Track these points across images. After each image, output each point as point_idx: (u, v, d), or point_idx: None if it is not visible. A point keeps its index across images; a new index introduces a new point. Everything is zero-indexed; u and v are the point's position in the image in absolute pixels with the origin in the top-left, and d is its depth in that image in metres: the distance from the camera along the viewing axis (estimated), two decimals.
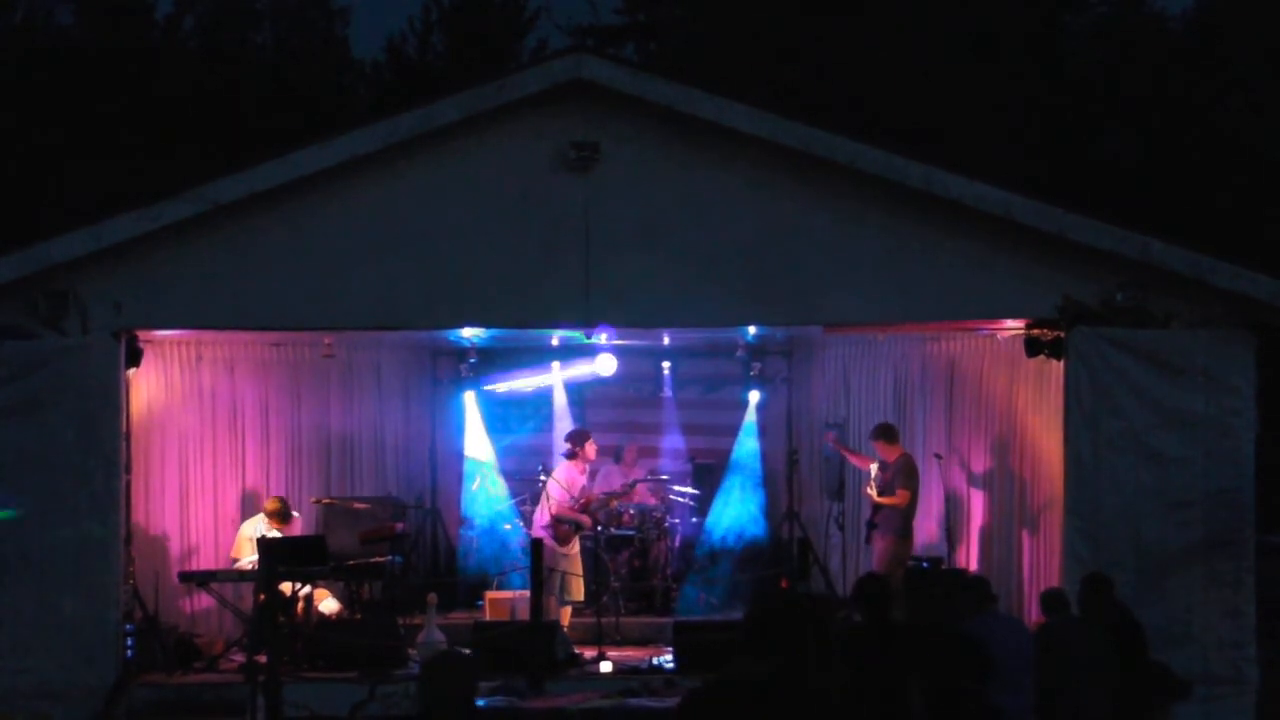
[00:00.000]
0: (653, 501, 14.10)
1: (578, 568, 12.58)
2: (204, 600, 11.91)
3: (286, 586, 10.99)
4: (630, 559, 13.43)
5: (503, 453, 14.42)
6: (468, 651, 10.16)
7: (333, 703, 9.99)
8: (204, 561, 12.30)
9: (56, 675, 10.24)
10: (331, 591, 12.20)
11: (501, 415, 14.59)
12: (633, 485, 13.75)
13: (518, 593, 12.61)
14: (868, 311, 10.93)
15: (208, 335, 12.00)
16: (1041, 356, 10.84)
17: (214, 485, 12.65)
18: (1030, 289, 10.56)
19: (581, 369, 14.05)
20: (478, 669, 5.99)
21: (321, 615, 11.90)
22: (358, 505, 12.97)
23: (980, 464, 12.41)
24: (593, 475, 13.48)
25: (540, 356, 14.28)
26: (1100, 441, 10.43)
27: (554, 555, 12.20)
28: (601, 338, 12.67)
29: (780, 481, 14.50)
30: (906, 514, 12.14)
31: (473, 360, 14.04)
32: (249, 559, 11.66)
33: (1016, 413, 11.77)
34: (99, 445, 10.43)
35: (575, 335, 12.44)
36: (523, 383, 14.45)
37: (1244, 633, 10.45)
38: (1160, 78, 25.76)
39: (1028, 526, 11.60)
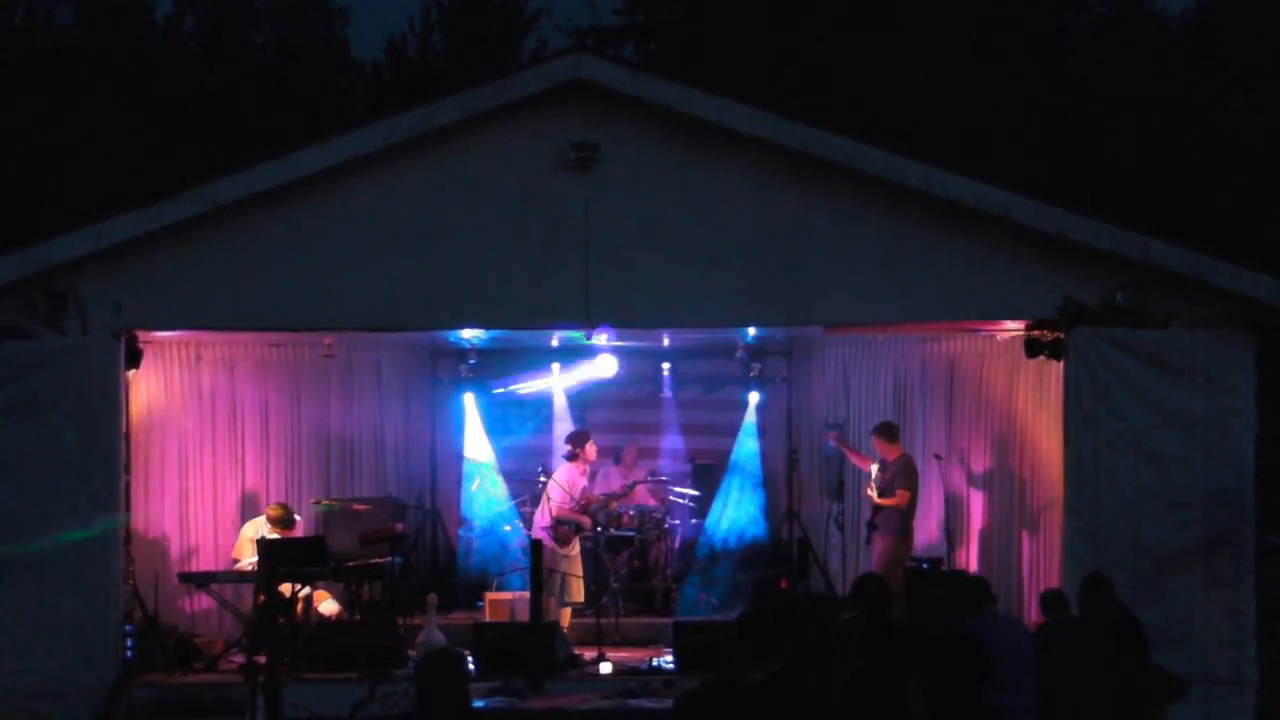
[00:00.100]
0: (652, 502, 14.11)
1: (578, 569, 12.58)
2: (204, 601, 11.91)
3: (286, 587, 10.98)
4: (630, 560, 13.43)
5: (502, 453, 14.43)
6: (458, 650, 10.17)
7: (333, 703, 9.98)
8: (204, 562, 12.30)
9: (56, 675, 10.24)
10: (331, 592, 12.20)
11: (501, 416, 14.60)
12: (633, 486, 13.75)
13: (517, 594, 12.61)
14: (868, 311, 10.92)
15: (207, 335, 12.00)
16: (1041, 357, 10.84)
17: (214, 486, 12.64)
18: (1030, 289, 10.56)
19: (582, 373, 14.06)
20: (466, 666, 6.00)
21: (321, 616, 11.90)
22: (357, 506, 12.97)
23: (980, 464, 12.41)
24: (592, 476, 13.48)
25: (540, 357, 14.28)
26: (1100, 442, 10.43)
27: (554, 556, 12.20)
28: (601, 338, 12.68)
29: (780, 482, 14.50)
30: (906, 514, 12.14)
31: (473, 361, 14.04)
32: (249, 560, 11.66)
33: (1016, 413, 11.76)
34: (99, 445, 10.43)
35: (575, 336, 12.45)
36: (524, 387, 14.45)
37: (1244, 633, 10.45)
38: (1160, 78, 25.76)
39: (1028, 527, 11.60)
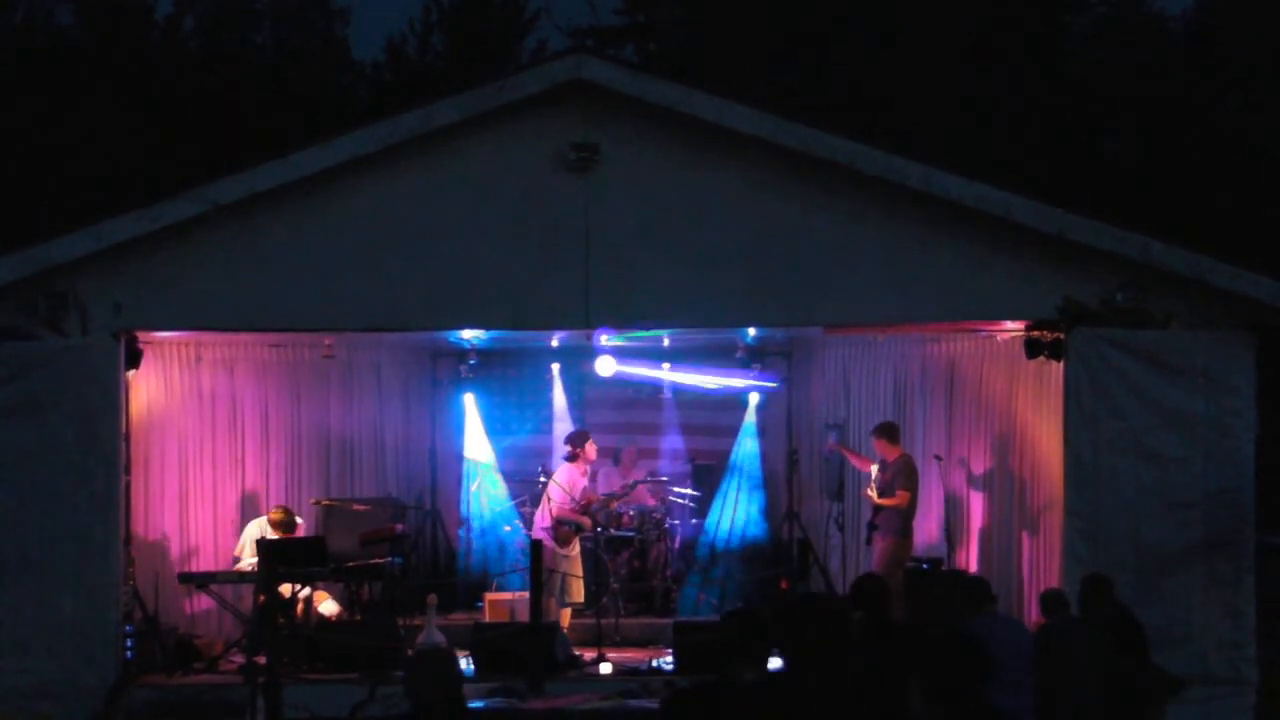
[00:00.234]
0: (652, 503, 14.11)
1: (578, 569, 12.58)
2: (204, 601, 11.91)
3: (286, 588, 10.99)
4: (630, 560, 13.43)
5: (502, 454, 14.42)
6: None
7: (333, 704, 9.98)
8: (204, 562, 12.30)
9: (56, 675, 10.24)
10: (331, 593, 12.20)
11: (501, 416, 14.59)
12: (633, 486, 13.76)
13: (517, 594, 12.61)
14: (868, 312, 10.92)
15: (207, 336, 12.00)
16: (1041, 357, 10.84)
17: (214, 486, 12.63)
18: (1030, 290, 10.56)
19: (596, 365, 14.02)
20: (458, 665, 6.02)
21: (321, 616, 11.90)
22: (358, 506, 12.97)
23: (980, 464, 12.41)
24: (592, 477, 13.48)
25: (540, 357, 14.28)
26: (1100, 442, 10.43)
27: (554, 557, 12.20)
28: (602, 339, 12.68)
29: (780, 482, 14.50)
30: (906, 515, 12.14)
31: (472, 361, 14.03)
32: (249, 560, 11.66)
33: (1016, 413, 11.76)
34: (99, 445, 10.43)
35: (575, 336, 12.45)
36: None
37: (1243, 633, 10.45)
38: (1160, 78, 25.76)
39: (1027, 527, 11.59)
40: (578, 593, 12.49)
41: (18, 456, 10.37)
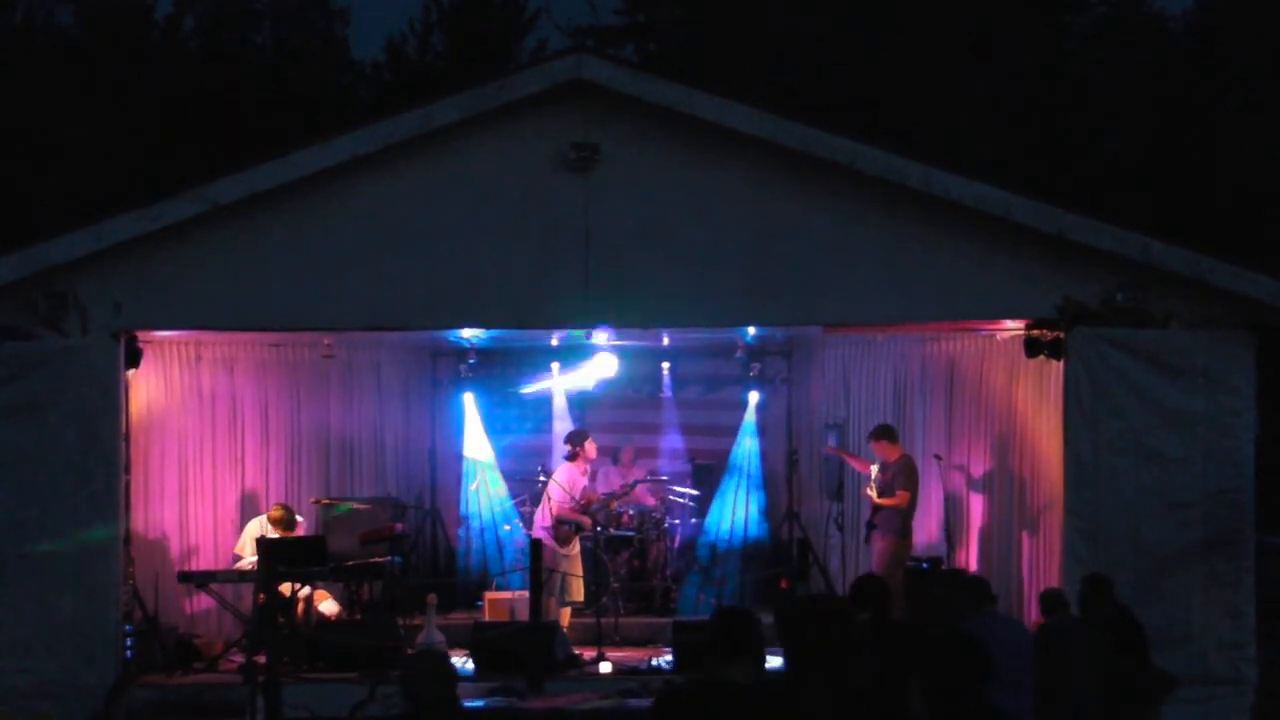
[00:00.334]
0: (652, 502, 14.12)
1: (578, 568, 12.58)
2: (204, 601, 11.91)
3: (286, 587, 10.99)
4: (630, 559, 13.43)
5: (502, 453, 14.42)
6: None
7: (332, 703, 9.96)
8: (203, 562, 12.30)
9: (56, 675, 10.24)
10: (331, 592, 12.20)
11: (501, 415, 14.59)
12: (633, 486, 13.76)
13: (517, 593, 12.61)
14: (868, 311, 10.92)
15: (207, 335, 12.00)
16: (1041, 357, 10.84)
17: (213, 486, 12.64)
18: (1030, 289, 10.56)
19: (581, 375, 14.05)
20: (452, 667, 6.02)
21: (321, 616, 11.91)
22: (357, 506, 12.97)
23: (980, 464, 12.41)
24: (592, 477, 13.48)
25: (540, 357, 14.28)
26: (1100, 442, 10.43)
27: (554, 556, 12.21)
28: (601, 338, 12.68)
29: (780, 482, 14.50)
30: (906, 514, 12.14)
31: (472, 361, 14.04)
32: (249, 559, 11.66)
33: (1016, 413, 11.76)
34: (99, 445, 10.43)
35: (575, 335, 12.44)
36: (531, 388, 14.47)
37: (1243, 633, 10.45)
38: (1160, 78, 25.76)
39: (1027, 527, 11.59)
40: (577, 592, 12.50)
41: (18, 456, 10.36)
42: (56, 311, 10.41)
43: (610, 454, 14.37)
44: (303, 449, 13.38)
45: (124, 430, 10.75)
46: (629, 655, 11.77)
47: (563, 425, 14.19)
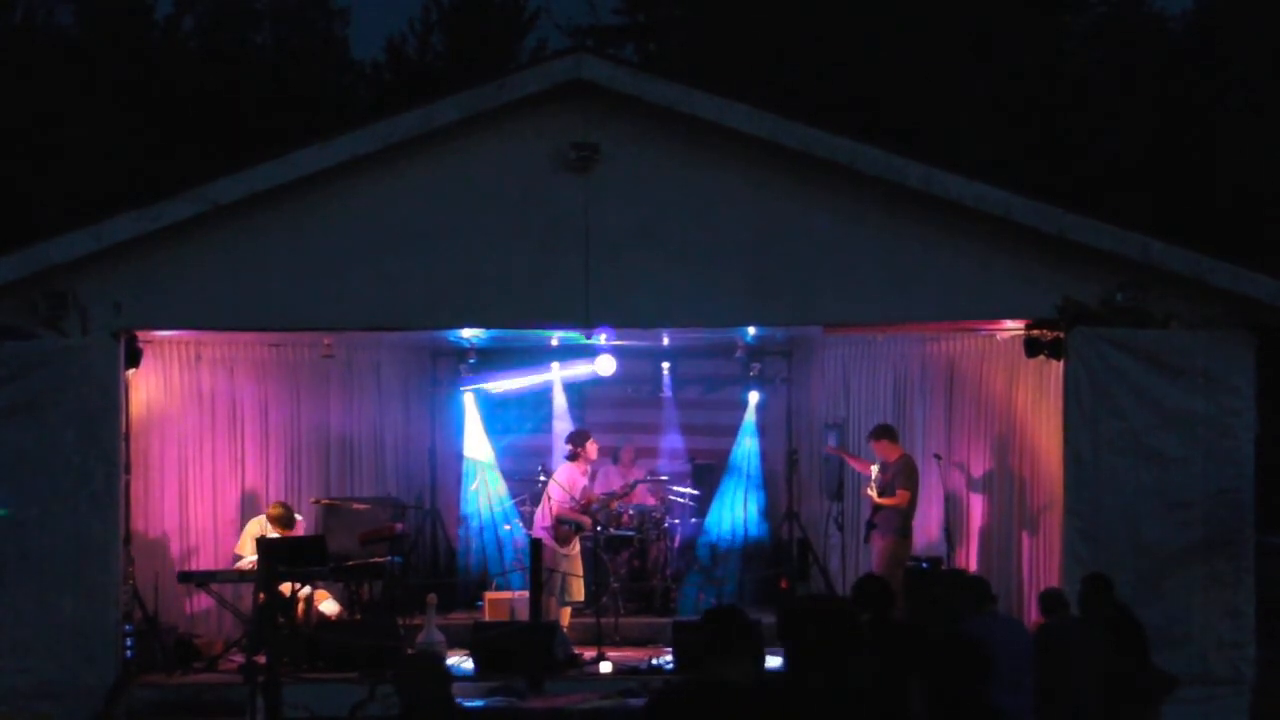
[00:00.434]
0: (652, 502, 14.11)
1: (578, 568, 12.58)
2: (204, 601, 11.91)
3: (286, 587, 10.99)
4: (630, 559, 13.43)
5: (502, 453, 14.42)
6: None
7: (332, 703, 9.96)
8: (203, 562, 12.30)
9: (56, 675, 10.24)
10: (331, 592, 12.20)
11: (501, 415, 14.59)
12: (633, 485, 13.76)
13: (517, 593, 12.61)
14: (868, 311, 10.92)
15: (207, 335, 12.00)
16: (1041, 357, 10.84)
17: (213, 485, 12.64)
18: (1030, 289, 10.56)
19: (580, 369, 14.05)
20: (447, 669, 6.02)
21: (321, 616, 11.90)
22: (358, 506, 12.97)
23: (980, 464, 12.41)
24: (592, 476, 13.48)
25: (540, 357, 14.28)
26: (1100, 441, 10.43)
27: (554, 556, 12.21)
28: (601, 338, 12.68)
29: (780, 482, 14.50)
30: (906, 514, 12.14)
31: (472, 360, 14.04)
32: (250, 559, 11.65)
33: (1016, 413, 11.76)
34: (99, 445, 10.43)
35: (575, 336, 12.44)
36: (522, 383, 14.44)
37: (1243, 633, 10.45)
38: (1160, 78, 25.76)
39: (1027, 527, 11.59)
40: (578, 592, 12.50)
41: (18, 456, 10.37)
42: (56, 311, 10.41)
43: (610, 454, 14.36)
44: (303, 449, 13.38)
45: (124, 430, 10.75)
46: (629, 655, 11.76)
47: (563, 425, 14.19)
